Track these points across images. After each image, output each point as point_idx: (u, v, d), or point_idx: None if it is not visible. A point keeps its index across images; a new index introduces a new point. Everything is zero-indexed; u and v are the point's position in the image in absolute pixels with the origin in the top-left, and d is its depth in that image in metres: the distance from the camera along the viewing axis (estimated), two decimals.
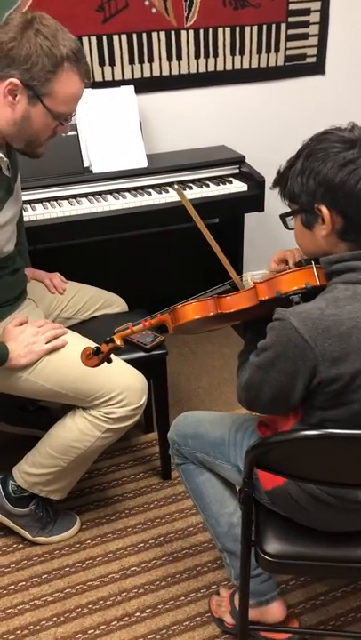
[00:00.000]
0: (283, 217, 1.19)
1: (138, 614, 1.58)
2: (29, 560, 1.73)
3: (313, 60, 2.63)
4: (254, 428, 1.36)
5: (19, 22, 1.34)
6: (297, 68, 2.61)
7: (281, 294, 1.13)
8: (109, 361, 1.37)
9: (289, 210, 1.19)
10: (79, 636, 1.53)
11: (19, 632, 1.54)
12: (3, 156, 1.45)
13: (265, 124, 2.66)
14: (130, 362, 1.68)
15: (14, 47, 1.32)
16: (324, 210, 1.09)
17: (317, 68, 2.65)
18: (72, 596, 1.63)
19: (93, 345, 1.37)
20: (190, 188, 2.28)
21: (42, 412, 2.09)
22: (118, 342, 1.32)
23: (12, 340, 1.55)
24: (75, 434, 1.60)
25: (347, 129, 1.12)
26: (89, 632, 1.54)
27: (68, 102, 1.42)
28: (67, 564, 1.71)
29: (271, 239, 2.68)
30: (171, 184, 2.29)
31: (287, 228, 1.20)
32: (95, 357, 1.34)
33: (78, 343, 1.59)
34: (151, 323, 1.30)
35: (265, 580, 1.44)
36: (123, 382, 1.59)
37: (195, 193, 2.26)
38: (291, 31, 2.52)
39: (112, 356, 1.37)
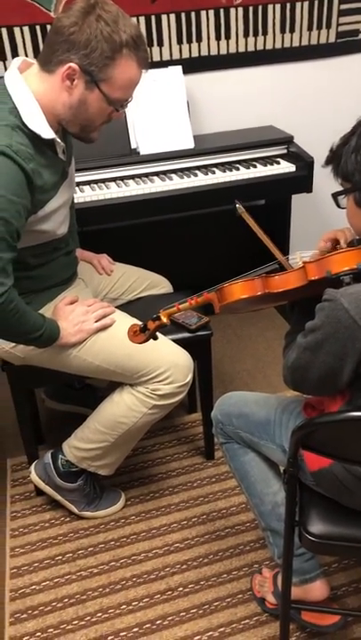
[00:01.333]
0: (335, 195, 1.17)
1: (180, 589, 1.61)
2: (76, 533, 1.78)
3: None
4: (300, 409, 1.36)
5: (81, 7, 1.34)
6: (350, 44, 2.54)
7: (331, 275, 1.11)
8: (155, 338, 1.39)
9: (341, 189, 1.17)
10: (123, 607, 1.57)
11: (66, 600, 1.60)
12: (59, 140, 1.47)
13: (315, 103, 2.60)
14: (175, 342, 1.69)
15: (75, 32, 1.33)
16: None
17: None
18: (117, 569, 1.67)
19: (140, 323, 1.39)
20: (237, 169, 2.26)
21: (88, 390, 2.13)
22: (164, 320, 1.33)
23: (63, 319, 1.59)
24: (122, 409, 1.63)
25: None
26: (133, 604, 1.58)
27: (125, 89, 1.42)
28: (112, 539, 1.76)
29: (319, 221, 2.65)
30: (217, 165, 2.27)
31: (339, 206, 1.18)
32: (142, 334, 1.36)
33: (125, 322, 1.61)
34: (197, 301, 1.30)
35: (309, 559, 1.44)
36: (169, 359, 1.61)
37: (241, 174, 2.24)
38: (343, 6, 2.45)
39: (158, 334, 1.39)
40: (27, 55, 2.23)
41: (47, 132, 1.42)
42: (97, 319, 1.60)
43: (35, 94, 1.40)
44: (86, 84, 1.38)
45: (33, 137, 1.39)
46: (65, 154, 1.53)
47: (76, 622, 1.55)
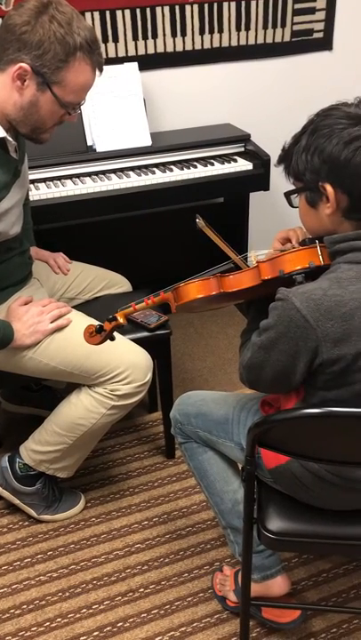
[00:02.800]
0: (287, 195, 1.17)
1: (142, 590, 1.60)
2: (35, 537, 1.75)
3: (320, 35, 2.58)
4: (258, 406, 1.36)
5: (34, 6, 1.31)
6: (304, 43, 2.56)
7: (284, 274, 1.12)
8: (112, 339, 1.38)
9: (294, 188, 1.17)
10: (84, 610, 1.56)
11: (25, 607, 1.57)
12: (11, 139, 1.44)
13: (271, 101, 2.62)
14: (134, 342, 1.68)
15: (27, 32, 1.30)
16: (329, 188, 1.07)
17: (325, 43, 2.60)
18: (77, 573, 1.65)
19: (97, 323, 1.37)
20: (195, 166, 2.26)
21: (46, 392, 2.10)
22: (121, 320, 1.32)
23: (17, 320, 1.56)
24: (80, 411, 1.61)
25: (353, 104, 1.10)
26: (93, 607, 1.56)
27: (78, 92, 1.40)
28: (71, 542, 1.73)
29: (277, 218, 2.66)
30: (175, 163, 2.27)
31: (291, 206, 1.19)
32: (98, 335, 1.34)
33: (82, 322, 1.59)
34: (154, 301, 1.29)
35: (269, 555, 1.45)
36: (127, 359, 1.60)
37: (199, 172, 2.24)
38: (297, 5, 2.47)
39: (116, 334, 1.37)
40: None
41: None
42: (52, 319, 1.58)
43: None
44: (38, 86, 1.35)
45: None
46: (17, 152, 1.50)
47: (34, 629, 1.52)
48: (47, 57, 1.31)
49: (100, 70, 1.42)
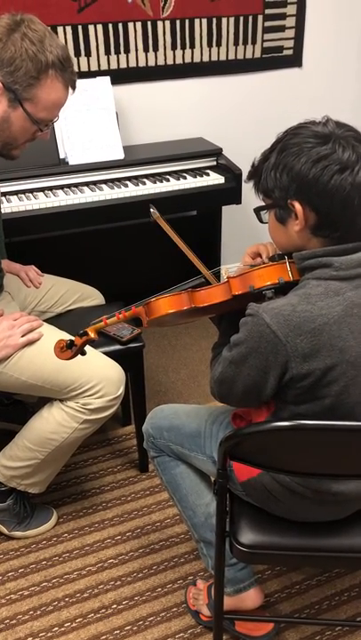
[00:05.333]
0: (257, 211, 1.19)
1: (115, 606, 1.58)
2: (5, 554, 1.72)
3: (290, 52, 2.63)
4: (229, 420, 1.37)
5: (6, 24, 1.31)
6: (274, 60, 2.61)
7: (254, 289, 1.13)
8: (83, 353, 1.37)
9: (263, 203, 1.19)
10: (56, 629, 1.53)
11: None
12: None
13: (242, 116, 2.66)
14: (106, 355, 1.67)
15: None
16: (298, 206, 1.09)
17: (294, 60, 2.66)
18: (49, 590, 1.63)
19: (67, 338, 1.36)
20: (167, 180, 2.27)
21: (17, 406, 2.07)
22: (92, 335, 1.32)
23: None
24: (52, 425, 1.60)
25: (321, 123, 1.12)
26: (65, 625, 1.54)
27: (50, 109, 1.40)
28: (43, 558, 1.71)
29: (250, 231, 2.69)
30: (148, 176, 2.28)
31: (261, 221, 1.20)
32: (69, 350, 1.34)
33: (54, 336, 1.58)
34: (125, 315, 1.29)
35: (242, 568, 1.45)
36: (99, 373, 1.59)
37: (172, 185, 2.26)
38: (268, 23, 2.52)
39: (88, 347, 1.37)
40: None
41: None
42: (23, 333, 1.56)
43: None
44: (9, 102, 1.35)
45: None
46: None
47: None
48: (19, 74, 1.32)
49: (73, 88, 1.43)
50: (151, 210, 1.31)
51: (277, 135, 1.16)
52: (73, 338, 1.34)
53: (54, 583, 1.65)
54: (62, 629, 1.53)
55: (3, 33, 1.31)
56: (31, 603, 1.60)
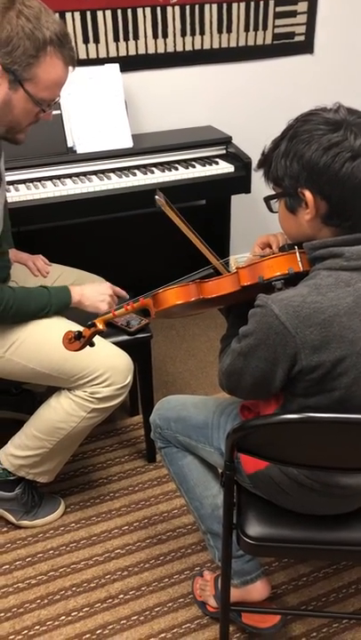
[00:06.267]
0: (267, 200, 1.17)
1: (121, 596, 1.59)
2: (13, 543, 1.73)
3: (301, 38, 2.59)
4: (237, 411, 1.36)
5: (0, 2, 1.28)
6: (285, 46, 2.57)
7: (263, 280, 1.11)
8: (92, 345, 1.36)
9: (274, 192, 1.17)
10: (63, 618, 1.54)
11: (2, 615, 1.55)
12: None
13: (252, 103, 2.62)
14: (114, 345, 1.67)
15: None
16: (308, 194, 1.07)
17: (306, 46, 2.61)
18: (56, 579, 1.63)
19: (75, 328, 1.35)
20: (176, 168, 2.25)
21: (25, 395, 2.08)
22: (100, 326, 1.31)
23: (89, 287, 1.65)
24: (60, 414, 1.60)
25: (332, 109, 1.09)
26: (72, 614, 1.55)
27: (51, 88, 1.37)
28: (51, 548, 1.72)
29: (259, 221, 2.66)
30: (156, 165, 2.26)
31: (271, 211, 1.18)
32: (77, 342, 1.33)
33: (62, 324, 1.58)
34: (133, 307, 1.28)
35: (249, 560, 1.45)
36: (107, 362, 1.58)
37: (180, 174, 2.23)
38: (279, 8, 2.47)
39: (96, 336, 1.36)
40: None
41: None
42: (110, 305, 1.63)
43: None
44: (10, 84, 1.33)
45: None
46: None
47: (12, 637, 1.50)
48: (17, 53, 1.29)
49: (73, 65, 1.39)
50: (157, 197, 1.27)
51: (288, 122, 1.13)
52: (81, 329, 1.33)
53: (61, 572, 1.65)
54: (69, 618, 1.54)
55: None
56: (38, 591, 1.60)
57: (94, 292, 1.65)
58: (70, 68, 1.38)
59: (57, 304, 1.59)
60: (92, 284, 1.71)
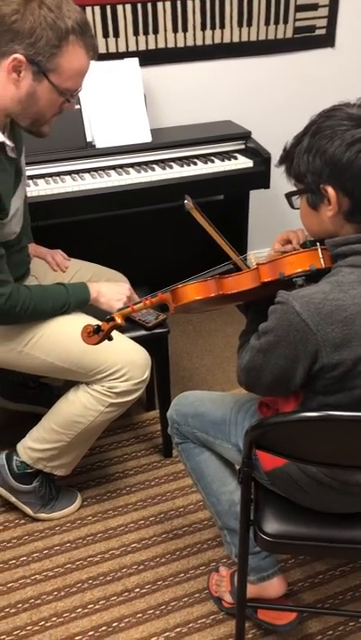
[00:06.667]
0: (288, 196, 1.16)
1: (137, 590, 1.59)
2: (31, 536, 1.75)
3: (323, 31, 2.56)
4: (255, 408, 1.35)
5: None
6: (306, 40, 2.54)
7: (284, 276, 1.11)
8: (110, 339, 1.37)
9: (295, 188, 1.16)
10: (79, 610, 1.55)
11: (20, 605, 1.57)
12: (9, 142, 1.42)
13: (272, 98, 2.60)
14: (132, 340, 1.67)
15: (17, 20, 1.27)
16: (331, 190, 1.06)
17: (327, 40, 2.58)
18: (72, 572, 1.65)
19: (94, 322, 1.36)
20: (195, 163, 2.24)
21: (43, 389, 2.09)
22: (119, 321, 1.31)
23: (106, 285, 1.65)
24: (78, 408, 1.61)
25: (356, 105, 1.09)
26: (89, 607, 1.56)
27: (75, 78, 1.37)
28: (67, 540, 1.73)
29: (277, 216, 2.65)
30: (175, 159, 2.25)
31: (293, 207, 1.18)
32: (96, 335, 1.33)
33: (80, 319, 1.58)
34: (152, 301, 1.28)
35: (266, 557, 1.45)
36: (125, 357, 1.59)
37: (199, 169, 2.22)
38: (300, 1, 2.45)
39: (114, 332, 1.36)
40: None
41: None
42: (124, 304, 1.62)
43: None
44: (34, 76, 1.33)
45: None
46: (15, 151, 1.48)
47: (29, 628, 1.52)
48: (40, 44, 1.28)
49: (95, 54, 1.38)
50: (185, 201, 1.27)
51: (311, 117, 1.12)
52: (100, 323, 1.33)
53: (78, 565, 1.66)
54: (86, 611, 1.55)
55: (19, 4, 1.27)
56: (55, 584, 1.62)
57: (111, 290, 1.65)
58: (92, 56, 1.37)
59: (75, 302, 1.60)
60: (110, 282, 1.70)
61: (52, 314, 1.57)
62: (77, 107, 2.17)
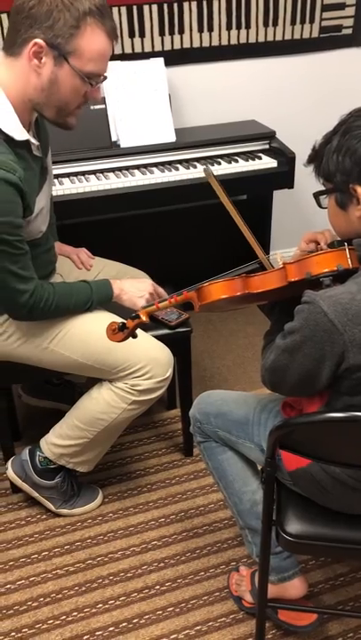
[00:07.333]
0: (316, 195, 1.16)
1: (157, 587, 1.60)
2: (52, 531, 1.76)
3: (349, 31, 2.54)
4: (279, 408, 1.35)
5: None
6: (332, 39, 2.53)
7: (311, 276, 1.10)
8: (135, 336, 1.37)
9: (322, 188, 1.16)
10: (100, 605, 1.57)
11: (41, 599, 1.58)
12: (34, 140, 1.43)
13: (298, 98, 2.59)
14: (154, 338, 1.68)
15: (35, 5, 1.28)
16: (360, 190, 1.05)
17: (354, 39, 2.56)
18: (93, 568, 1.66)
19: (119, 320, 1.37)
20: (219, 163, 2.24)
21: (67, 386, 2.11)
22: (144, 318, 1.32)
23: (129, 282, 1.66)
24: (101, 405, 1.62)
25: None
26: (109, 602, 1.57)
27: (96, 60, 1.35)
28: (88, 536, 1.74)
29: (301, 217, 2.64)
30: (199, 159, 2.26)
31: (320, 206, 1.17)
32: (121, 333, 1.34)
33: (104, 317, 1.60)
34: (177, 300, 1.29)
35: (287, 557, 1.44)
36: (148, 355, 1.60)
37: (223, 168, 2.23)
38: (327, 1, 2.43)
39: (138, 330, 1.37)
40: None
41: (20, 134, 1.37)
42: (148, 302, 1.61)
43: (4, 88, 1.35)
44: (55, 60, 1.32)
45: (7, 140, 1.34)
46: (40, 149, 1.49)
47: (51, 622, 1.53)
48: (58, 25, 1.28)
49: (115, 37, 1.37)
50: (204, 167, 1.26)
51: (340, 117, 1.12)
52: (125, 320, 1.34)
53: (99, 561, 1.67)
54: (106, 606, 1.56)
55: None
56: (76, 579, 1.63)
57: (134, 287, 1.65)
58: (113, 40, 1.36)
59: (98, 299, 1.61)
60: (133, 279, 1.71)
61: (75, 310, 1.58)
62: (102, 106, 2.19)
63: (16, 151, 1.37)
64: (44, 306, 1.50)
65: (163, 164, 2.23)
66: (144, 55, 2.30)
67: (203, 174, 2.17)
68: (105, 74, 1.41)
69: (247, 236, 1.31)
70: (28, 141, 1.41)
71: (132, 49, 2.30)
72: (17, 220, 1.37)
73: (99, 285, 1.62)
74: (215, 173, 2.19)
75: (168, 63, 2.27)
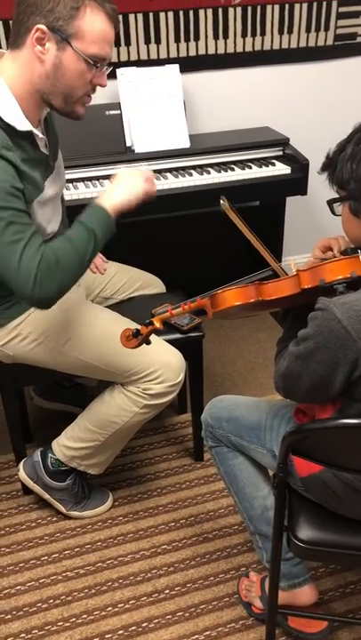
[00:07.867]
0: (330, 203, 1.16)
1: (167, 592, 1.60)
2: (63, 533, 1.77)
3: None
4: (291, 414, 1.35)
5: None
6: (347, 47, 2.54)
7: (325, 283, 1.11)
8: (148, 343, 1.39)
9: (336, 195, 1.16)
10: (109, 608, 1.57)
11: (51, 601, 1.59)
12: (39, 133, 1.44)
13: (312, 105, 2.60)
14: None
15: None
16: None
17: None
18: (103, 570, 1.66)
19: (133, 326, 1.38)
20: (232, 169, 2.25)
21: (78, 389, 2.12)
22: (157, 325, 1.33)
23: (116, 187, 1.48)
24: (113, 409, 1.63)
25: None
26: (119, 606, 1.58)
27: (98, 42, 1.34)
28: (98, 539, 1.75)
29: (313, 224, 2.65)
30: (213, 165, 2.27)
31: (334, 214, 1.18)
32: (135, 339, 1.35)
33: (117, 321, 1.61)
34: (191, 306, 1.30)
35: (298, 564, 1.44)
36: (160, 359, 1.60)
37: (236, 175, 2.24)
38: (342, 9, 2.44)
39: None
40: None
41: (22, 124, 1.36)
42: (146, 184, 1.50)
43: (9, 81, 1.35)
44: (58, 45, 1.32)
45: (10, 131, 1.34)
46: (48, 147, 1.50)
47: (60, 624, 1.54)
48: (58, 8, 1.29)
49: (117, 21, 1.37)
50: (221, 201, 1.28)
51: (354, 125, 1.13)
52: (139, 327, 1.35)
53: (109, 564, 1.68)
54: (116, 609, 1.57)
55: None
56: (86, 581, 1.64)
57: (125, 192, 1.48)
58: (115, 23, 1.36)
59: (97, 223, 1.42)
60: (119, 179, 1.51)
61: (83, 251, 1.40)
62: (117, 112, 2.21)
63: (16, 141, 1.35)
64: (47, 265, 1.33)
65: (177, 169, 2.24)
66: (159, 62, 2.32)
67: (216, 180, 2.20)
68: (109, 58, 1.39)
69: (260, 249, 1.31)
70: (31, 134, 1.40)
71: (148, 55, 2.32)
72: (9, 188, 1.30)
73: (88, 215, 1.44)
74: (229, 179, 2.24)
75: (183, 69, 2.28)
